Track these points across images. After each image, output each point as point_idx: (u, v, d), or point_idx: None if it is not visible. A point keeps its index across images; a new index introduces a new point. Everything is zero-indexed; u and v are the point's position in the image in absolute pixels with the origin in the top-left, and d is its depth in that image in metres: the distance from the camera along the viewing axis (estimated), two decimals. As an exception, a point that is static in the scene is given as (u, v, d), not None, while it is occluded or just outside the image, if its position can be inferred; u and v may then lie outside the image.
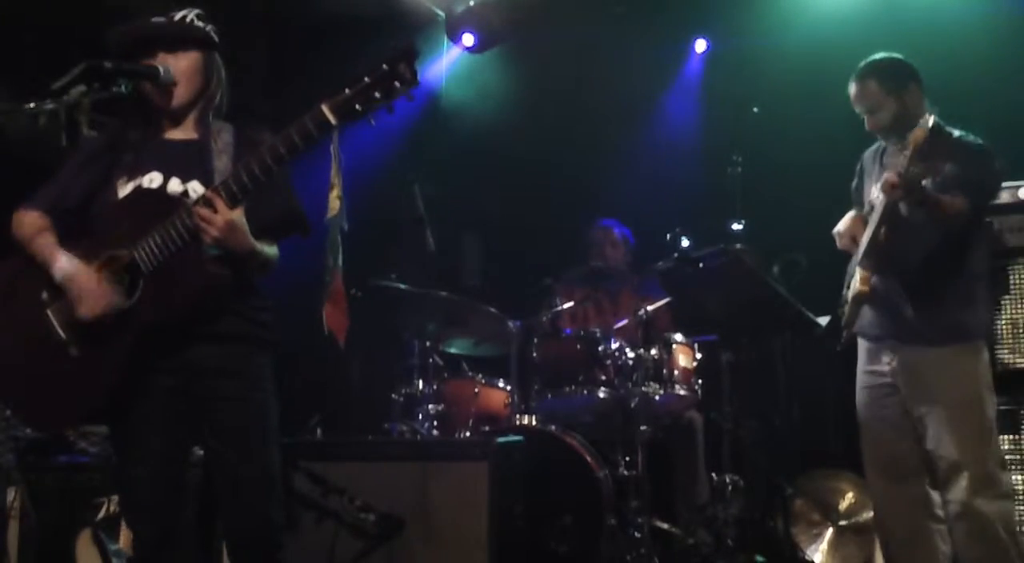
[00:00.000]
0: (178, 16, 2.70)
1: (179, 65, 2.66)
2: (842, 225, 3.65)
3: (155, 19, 2.69)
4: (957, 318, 3.42)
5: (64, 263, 2.56)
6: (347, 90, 2.38)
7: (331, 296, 2.56)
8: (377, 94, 2.36)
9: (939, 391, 3.39)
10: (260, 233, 2.61)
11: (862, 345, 3.65)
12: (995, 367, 3.78)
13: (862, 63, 3.60)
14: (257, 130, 2.65)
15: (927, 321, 3.43)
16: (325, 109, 2.38)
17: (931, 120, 3.27)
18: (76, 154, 2.65)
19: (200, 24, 2.72)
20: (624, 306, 5.38)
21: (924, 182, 3.41)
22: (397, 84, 2.36)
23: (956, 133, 3.52)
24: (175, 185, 2.63)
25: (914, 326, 3.44)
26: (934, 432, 3.39)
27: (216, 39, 2.74)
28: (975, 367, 3.42)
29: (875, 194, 3.46)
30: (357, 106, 2.37)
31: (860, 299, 3.44)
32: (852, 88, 3.60)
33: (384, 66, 2.35)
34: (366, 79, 2.37)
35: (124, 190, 2.62)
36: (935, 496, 3.48)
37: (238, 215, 2.49)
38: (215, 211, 2.45)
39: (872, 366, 3.60)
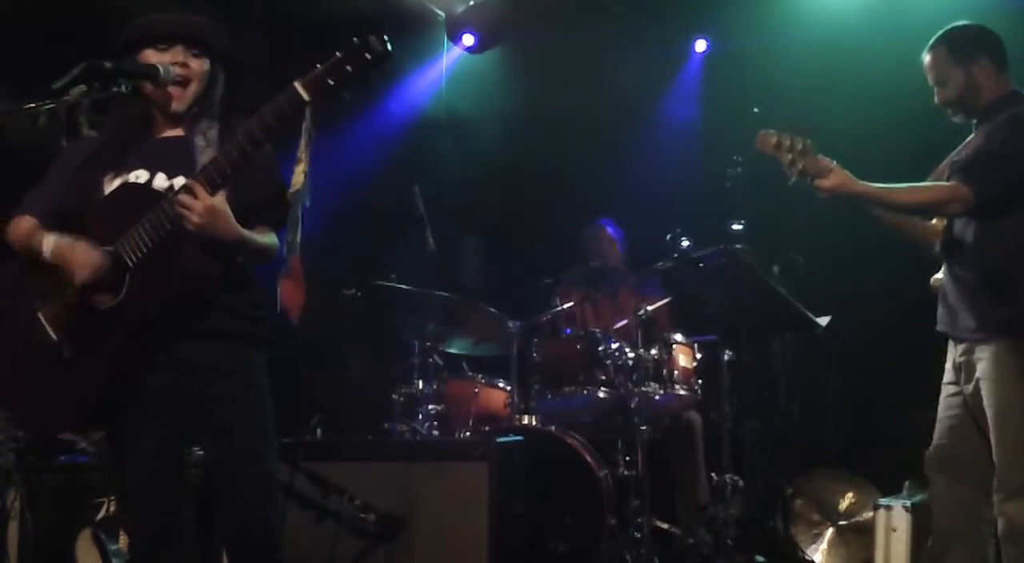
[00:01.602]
0: (200, 20, 2.71)
1: (195, 66, 2.66)
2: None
3: (183, 16, 2.70)
4: (1004, 311, 3.21)
5: (53, 238, 2.55)
6: (319, 66, 2.38)
7: (288, 272, 2.54)
8: (349, 68, 2.35)
9: (986, 389, 3.21)
10: (252, 220, 2.60)
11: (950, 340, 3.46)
12: None
13: (941, 31, 3.40)
14: (242, 123, 2.65)
15: (972, 316, 3.25)
16: (298, 86, 2.38)
17: (798, 137, 3.11)
18: (67, 157, 2.64)
19: (220, 32, 2.73)
20: (624, 306, 5.38)
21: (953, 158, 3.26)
22: (368, 56, 2.34)
23: None
24: (161, 181, 2.62)
25: (962, 321, 3.28)
26: (987, 431, 3.22)
27: (230, 51, 2.75)
28: (1015, 364, 3.18)
29: None
30: (330, 81, 2.36)
31: (935, 291, 3.33)
32: (925, 58, 3.38)
33: (355, 40, 2.35)
34: (337, 54, 2.37)
35: (110, 186, 2.62)
36: (989, 505, 3.28)
37: (219, 201, 2.47)
38: (195, 198, 2.44)
39: (949, 362, 3.41)
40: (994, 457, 3.19)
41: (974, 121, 3.38)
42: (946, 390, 3.40)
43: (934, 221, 3.42)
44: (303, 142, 2.42)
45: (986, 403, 3.21)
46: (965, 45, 3.34)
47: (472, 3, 6.56)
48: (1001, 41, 3.37)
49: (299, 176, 2.45)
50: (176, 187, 2.57)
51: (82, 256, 2.49)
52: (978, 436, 3.29)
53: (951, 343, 3.38)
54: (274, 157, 2.72)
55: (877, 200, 3.22)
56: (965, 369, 3.30)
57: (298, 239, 2.52)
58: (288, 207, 2.70)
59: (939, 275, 3.37)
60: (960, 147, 3.38)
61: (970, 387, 3.28)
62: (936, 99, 3.41)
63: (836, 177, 3.14)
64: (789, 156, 3.13)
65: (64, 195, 2.66)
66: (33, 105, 2.47)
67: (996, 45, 3.36)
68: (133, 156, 2.65)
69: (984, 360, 3.22)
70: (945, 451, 3.37)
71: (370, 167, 6.13)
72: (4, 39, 4.49)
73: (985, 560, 3.31)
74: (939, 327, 3.41)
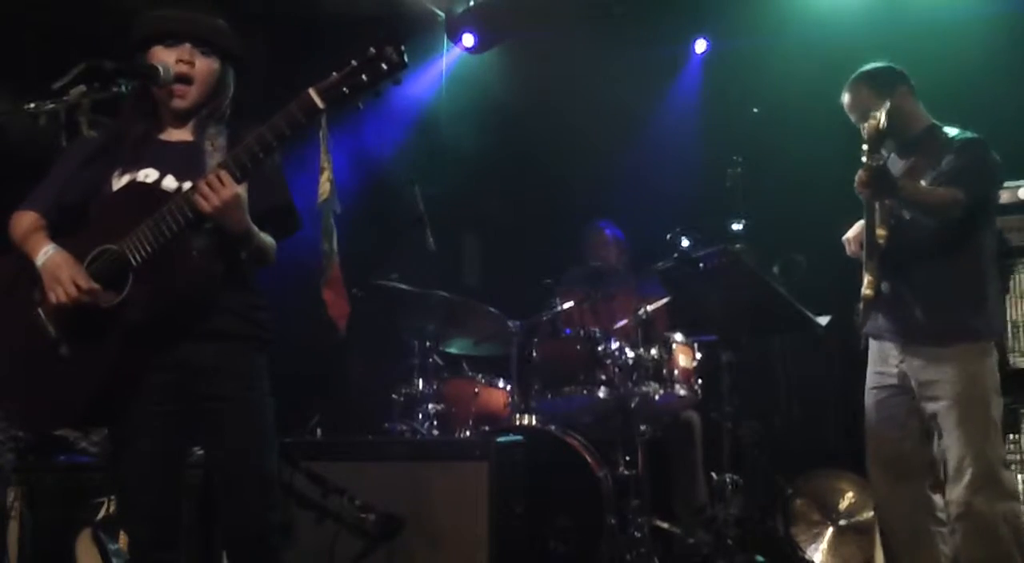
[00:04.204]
0: (211, 19, 2.69)
1: (201, 65, 2.65)
2: (851, 232, 3.65)
3: (193, 14, 2.68)
4: (963, 318, 3.43)
5: (47, 249, 2.55)
6: (335, 74, 2.37)
7: (330, 282, 2.54)
8: (364, 77, 2.35)
9: (945, 391, 3.40)
10: (257, 227, 2.59)
11: (872, 346, 3.66)
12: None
13: (853, 75, 3.67)
14: (251, 130, 2.65)
15: (933, 322, 3.44)
16: (313, 93, 2.37)
17: (885, 110, 3.28)
18: (72, 153, 2.64)
19: (231, 34, 2.72)
20: (624, 306, 5.38)
21: (922, 180, 3.42)
22: (384, 66, 2.34)
23: (952, 132, 3.55)
24: (170, 182, 2.62)
25: (920, 327, 3.46)
26: (942, 432, 3.40)
27: (241, 54, 2.74)
28: (982, 367, 3.42)
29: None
30: (344, 90, 2.36)
31: (867, 303, 3.45)
32: (845, 98, 3.65)
33: (371, 50, 2.35)
34: (353, 63, 2.36)
35: (119, 183, 2.61)
36: (937, 499, 3.49)
37: (242, 191, 2.47)
38: (223, 184, 2.43)
39: (880, 367, 3.60)
40: (955, 454, 3.34)
41: (895, 149, 3.61)
42: (880, 393, 3.58)
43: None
44: (323, 149, 2.42)
45: (949, 403, 3.37)
46: (883, 78, 3.61)
47: (472, 3, 6.56)
48: (908, 74, 3.65)
49: (325, 184, 2.45)
50: (185, 191, 2.57)
51: (67, 280, 2.48)
52: (921, 435, 3.49)
53: (892, 348, 3.55)
54: (280, 168, 2.72)
55: (908, 193, 3.38)
56: (918, 374, 3.46)
57: (335, 247, 2.52)
58: (293, 216, 2.72)
59: (865, 289, 3.46)
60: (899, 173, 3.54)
61: (922, 391, 3.45)
62: (865, 133, 3.54)
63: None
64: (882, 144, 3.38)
65: (67, 189, 2.65)
66: (33, 105, 2.46)
67: (907, 77, 3.64)
68: (142, 155, 2.65)
69: (947, 363, 3.39)
70: (891, 451, 3.54)
71: (370, 167, 6.13)
72: (4, 39, 4.49)
73: (949, 548, 3.45)
74: (880, 333, 3.58)
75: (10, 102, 2.53)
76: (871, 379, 3.64)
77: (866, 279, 3.44)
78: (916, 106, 3.61)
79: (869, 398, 3.63)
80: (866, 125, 3.31)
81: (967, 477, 3.32)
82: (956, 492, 3.35)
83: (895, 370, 3.54)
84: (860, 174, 3.31)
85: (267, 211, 2.65)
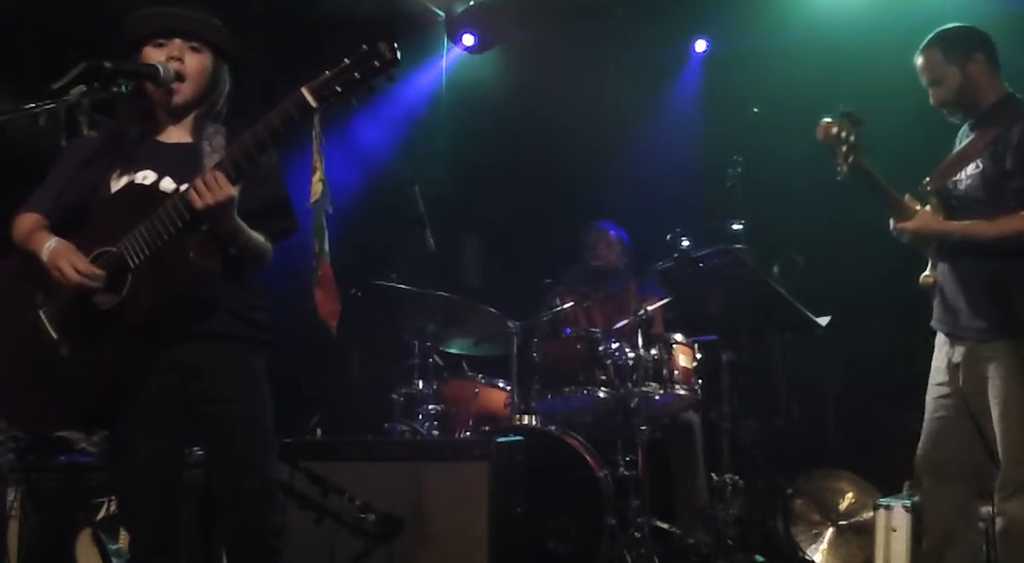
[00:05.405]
0: (200, 15, 2.70)
1: (192, 61, 2.65)
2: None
3: (181, 10, 2.68)
4: (1008, 312, 3.18)
5: (50, 243, 2.55)
6: (327, 72, 2.37)
7: (320, 282, 2.53)
8: (357, 74, 2.33)
9: (991, 387, 3.19)
10: (250, 225, 2.59)
11: (937, 339, 3.44)
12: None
13: (931, 34, 3.39)
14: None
15: (977, 314, 3.23)
16: (305, 92, 2.36)
17: (840, 115, 3.10)
18: (70, 155, 2.63)
19: (223, 30, 2.72)
20: (624, 306, 5.38)
21: (978, 160, 3.23)
22: (376, 63, 2.33)
23: None
24: (167, 184, 2.61)
25: (967, 319, 3.26)
26: (990, 430, 3.21)
27: (233, 50, 2.73)
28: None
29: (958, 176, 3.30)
30: (337, 87, 2.34)
31: (925, 288, 3.33)
32: (918, 60, 3.38)
33: (364, 47, 2.34)
34: (346, 60, 2.35)
35: (117, 185, 2.61)
36: (985, 510, 3.34)
37: (235, 192, 2.47)
38: (218, 185, 2.42)
39: (937, 361, 3.40)
40: (1000, 455, 3.17)
41: (969, 122, 3.37)
42: (935, 391, 3.38)
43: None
44: (315, 149, 2.42)
45: (993, 402, 3.18)
46: (958, 44, 3.33)
47: (472, 3, 6.57)
48: (992, 40, 3.36)
49: (317, 184, 2.44)
50: (181, 191, 2.56)
51: (67, 266, 2.48)
52: (972, 437, 3.29)
53: (946, 343, 3.36)
54: (278, 168, 2.72)
55: (959, 237, 3.23)
56: (966, 369, 3.27)
57: (326, 247, 2.51)
58: (289, 217, 2.71)
59: (927, 273, 3.36)
60: (960, 148, 3.36)
61: (971, 386, 3.26)
62: (932, 100, 3.40)
63: (921, 219, 3.22)
64: (844, 148, 3.13)
65: (67, 190, 2.65)
66: (33, 105, 2.46)
67: (988, 43, 3.36)
68: (140, 156, 2.64)
69: (994, 359, 3.19)
70: (936, 454, 3.35)
71: (370, 167, 6.14)
72: (4, 39, 4.49)
73: (979, 559, 3.33)
74: (937, 326, 3.40)
75: (10, 102, 2.53)
76: (932, 374, 3.41)
77: (929, 266, 3.33)
78: (992, 77, 3.30)
79: (929, 392, 3.40)
80: (820, 125, 3.14)
81: (1001, 482, 3.16)
82: (997, 497, 3.19)
83: (944, 364, 3.33)
84: (899, 226, 3.19)
85: (261, 209, 2.64)
